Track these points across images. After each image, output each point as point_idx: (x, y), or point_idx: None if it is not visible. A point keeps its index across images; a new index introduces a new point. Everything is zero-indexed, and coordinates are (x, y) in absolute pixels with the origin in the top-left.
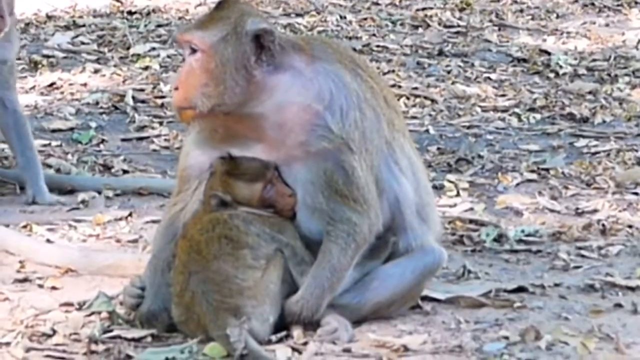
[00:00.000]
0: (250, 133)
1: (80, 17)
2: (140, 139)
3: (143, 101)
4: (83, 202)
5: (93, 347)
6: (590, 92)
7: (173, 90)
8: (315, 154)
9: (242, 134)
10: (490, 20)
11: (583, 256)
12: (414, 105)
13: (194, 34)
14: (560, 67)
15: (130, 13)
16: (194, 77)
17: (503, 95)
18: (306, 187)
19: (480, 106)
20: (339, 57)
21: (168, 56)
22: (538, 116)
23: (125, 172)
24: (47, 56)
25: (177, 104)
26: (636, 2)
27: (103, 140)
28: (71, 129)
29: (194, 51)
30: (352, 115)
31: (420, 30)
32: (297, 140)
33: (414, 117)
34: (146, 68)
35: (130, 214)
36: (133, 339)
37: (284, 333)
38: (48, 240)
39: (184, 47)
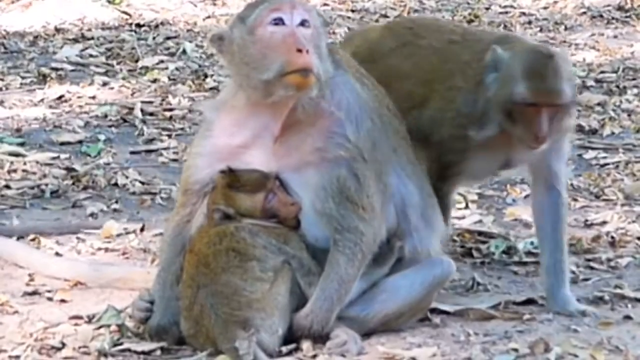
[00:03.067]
0: (275, 126)
1: (89, 29)
2: (149, 151)
3: (152, 114)
4: (92, 215)
5: None
6: (598, 104)
7: (302, 52)
8: (330, 160)
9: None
10: None
11: (592, 268)
12: None
13: (311, 9)
14: None
15: (138, 26)
16: (312, 48)
17: None
18: (317, 193)
19: None
20: (348, 66)
21: (176, 69)
22: None
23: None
24: (56, 69)
25: (309, 66)
26: None
27: (112, 153)
28: (80, 142)
29: (303, 24)
30: (365, 125)
31: None
32: (314, 146)
33: None
34: (155, 81)
35: (142, 228)
36: (143, 352)
37: (293, 345)
38: (57, 254)
39: (294, 15)
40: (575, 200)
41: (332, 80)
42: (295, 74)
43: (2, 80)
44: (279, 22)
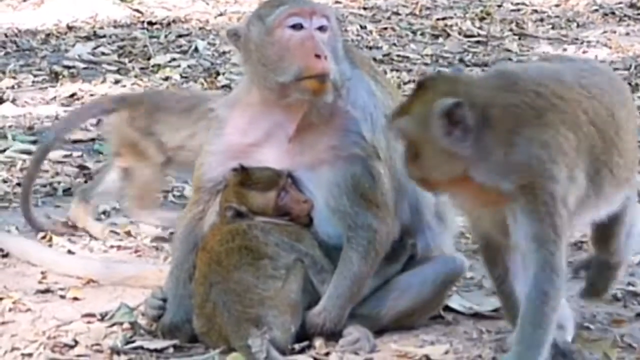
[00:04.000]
0: (289, 126)
1: (101, 27)
2: None
3: None
4: (104, 212)
5: (115, 358)
6: None
7: (320, 57)
8: (345, 158)
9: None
10: (511, 30)
11: None
12: None
13: (329, 13)
14: None
15: (150, 24)
16: (329, 52)
17: None
18: (331, 190)
19: None
20: (361, 65)
21: (189, 66)
22: None
23: None
24: (68, 67)
25: (327, 71)
26: None
27: None
28: (92, 140)
29: (321, 29)
30: (380, 123)
31: (440, 39)
32: (329, 144)
33: None
34: (167, 78)
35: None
36: (155, 350)
37: (305, 343)
38: (69, 251)
39: (314, 20)
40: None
41: (348, 79)
42: (313, 79)
43: (15, 78)
44: (297, 26)
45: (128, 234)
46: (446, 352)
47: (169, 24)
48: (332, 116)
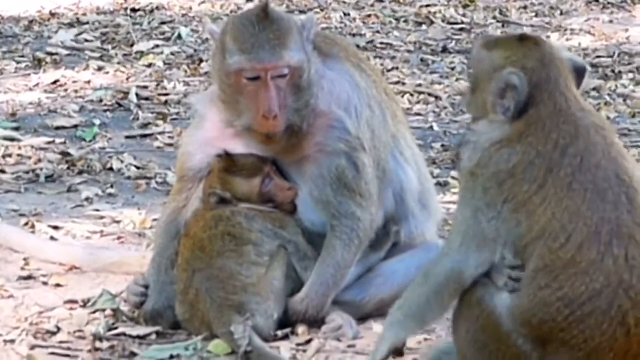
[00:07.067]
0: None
1: (84, 14)
2: (145, 136)
3: (147, 98)
4: (87, 199)
5: (98, 344)
6: (594, 89)
7: (269, 119)
8: (329, 153)
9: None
10: (494, 17)
11: None
12: (418, 102)
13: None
14: None
15: (134, 10)
16: (287, 96)
17: None
18: (315, 182)
19: None
20: (346, 54)
21: (172, 53)
22: None
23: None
24: (51, 54)
25: (274, 132)
26: None
27: (107, 138)
28: (75, 127)
29: (281, 76)
30: (364, 114)
31: (424, 27)
32: (314, 142)
33: (418, 114)
34: (150, 65)
35: (137, 212)
36: (138, 337)
37: (288, 330)
38: (52, 238)
39: (270, 72)
40: None
41: (328, 77)
42: (262, 133)
43: None
44: (254, 77)
45: (111, 220)
46: (425, 340)
47: (152, 11)
48: (315, 118)
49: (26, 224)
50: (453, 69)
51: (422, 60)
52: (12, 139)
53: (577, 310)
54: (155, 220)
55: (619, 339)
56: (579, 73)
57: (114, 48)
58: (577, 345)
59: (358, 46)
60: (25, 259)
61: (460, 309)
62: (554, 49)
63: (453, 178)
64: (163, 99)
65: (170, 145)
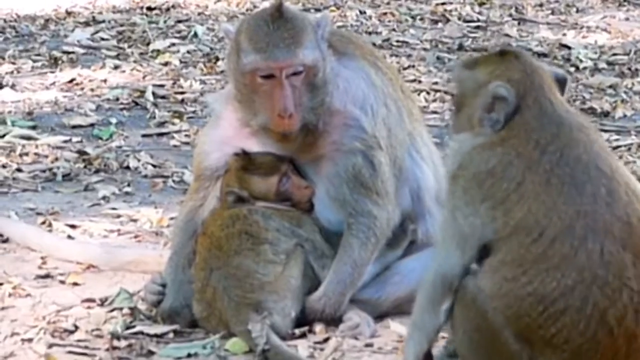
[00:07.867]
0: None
1: (100, 13)
2: (161, 134)
3: (163, 97)
4: (104, 198)
5: (115, 342)
6: (610, 86)
7: (284, 118)
8: (345, 151)
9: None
10: (510, 15)
11: None
12: (434, 100)
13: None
14: (581, 61)
15: (149, 9)
16: (302, 94)
17: None
18: (332, 180)
19: None
20: (361, 52)
21: (188, 52)
22: None
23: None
24: (67, 52)
25: (290, 130)
26: None
27: (123, 136)
28: (91, 125)
29: (296, 74)
30: (380, 112)
31: (440, 25)
32: (330, 140)
33: (434, 112)
34: (166, 64)
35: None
36: (155, 335)
37: (305, 328)
38: (69, 237)
39: (285, 71)
40: None
41: (343, 75)
42: (278, 132)
43: (14, 63)
44: (269, 75)
45: (128, 219)
46: (442, 338)
47: (168, 9)
48: (331, 116)
49: (43, 222)
50: None
51: (438, 58)
52: (29, 138)
53: (549, 306)
54: (172, 218)
55: (602, 340)
56: (561, 83)
57: (130, 46)
58: (559, 345)
59: (374, 44)
60: (42, 258)
61: (455, 311)
62: (534, 61)
63: None
64: (179, 97)
65: (187, 143)
